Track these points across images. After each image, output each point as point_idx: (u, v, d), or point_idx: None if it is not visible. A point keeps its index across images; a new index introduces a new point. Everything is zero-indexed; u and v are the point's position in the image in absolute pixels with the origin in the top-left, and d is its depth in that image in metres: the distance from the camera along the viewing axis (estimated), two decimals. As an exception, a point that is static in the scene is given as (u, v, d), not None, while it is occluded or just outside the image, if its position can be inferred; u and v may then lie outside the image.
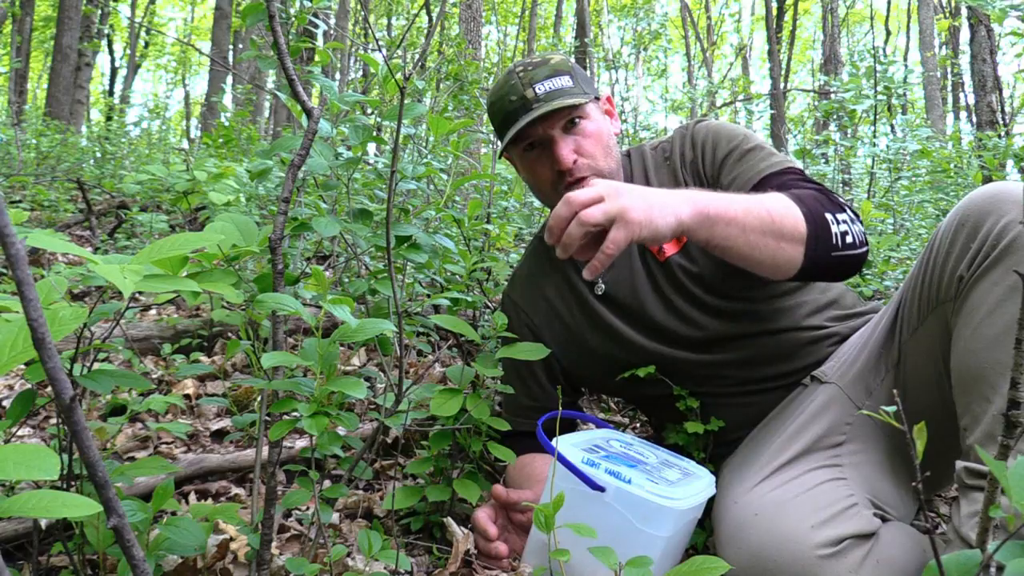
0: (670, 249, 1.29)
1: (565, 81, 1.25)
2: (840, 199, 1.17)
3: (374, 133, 1.29)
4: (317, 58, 1.30)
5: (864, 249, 1.15)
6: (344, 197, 1.39)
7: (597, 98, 1.32)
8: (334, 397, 0.95)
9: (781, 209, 1.06)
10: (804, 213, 1.07)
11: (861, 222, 1.18)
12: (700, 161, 1.30)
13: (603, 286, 1.33)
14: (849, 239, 1.12)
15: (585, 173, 1.25)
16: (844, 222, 1.12)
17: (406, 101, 1.12)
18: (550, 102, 1.21)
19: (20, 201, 4.30)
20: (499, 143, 1.33)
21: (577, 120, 1.25)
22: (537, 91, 1.23)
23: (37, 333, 0.49)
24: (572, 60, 1.31)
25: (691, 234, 1.02)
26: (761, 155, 1.25)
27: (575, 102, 1.22)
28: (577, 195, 0.97)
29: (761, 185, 1.20)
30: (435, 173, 1.49)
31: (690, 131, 1.34)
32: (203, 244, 0.83)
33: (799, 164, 1.26)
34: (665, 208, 0.98)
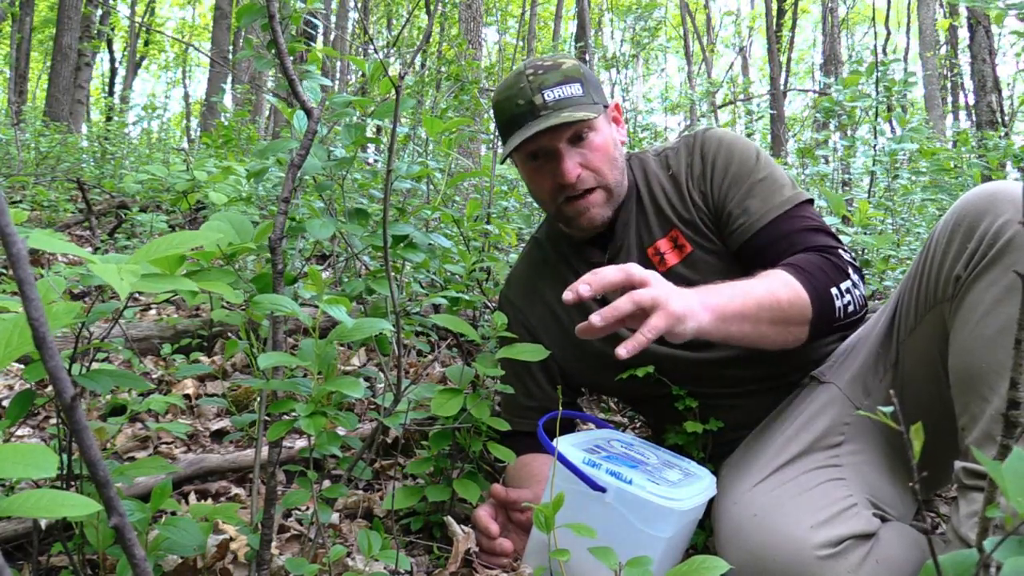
0: (672, 259, 1.28)
1: (575, 89, 1.21)
2: (846, 258, 1.19)
3: (374, 133, 1.29)
4: (310, 59, 1.30)
5: (864, 312, 1.21)
6: (340, 197, 1.39)
7: (606, 106, 1.29)
8: (333, 397, 0.95)
9: (790, 297, 1.09)
10: (811, 295, 1.10)
11: (863, 277, 1.23)
12: (709, 176, 1.28)
13: None
14: (851, 308, 1.16)
15: (589, 186, 1.24)
16: (847, 291, 1.15)
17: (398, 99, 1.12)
18: (559, 112, 1.19)
19: (20, 201, 4.29)
20: (501, 143, 1.32)
21: (584, 133, 1.23)
22: (546, 98, 1.20)
23: (38, 332, 0.49)
24: (584, 67, 1.27)
25: (708, 336, 1.03)
26: (773, 187, 1.24)
27: (583, 116, 1.18)
28: (633, 268, 0.98)
29: (771, 228, 1.21)
30: (431, 173, 1.49)
31: (699, 142, 1.31)
32: (199, 242, 0.82)
33: (806, 194, 1.27)
34: (691, 310, 0.98)
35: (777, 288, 1.08)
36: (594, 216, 1.26)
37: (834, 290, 1.13)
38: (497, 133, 1.36)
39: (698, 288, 1.04)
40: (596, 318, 0.95)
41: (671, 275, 1.28)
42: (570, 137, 1.22)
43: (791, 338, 1.13)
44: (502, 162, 1.35)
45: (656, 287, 0.97)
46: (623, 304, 0.95)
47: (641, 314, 0.95)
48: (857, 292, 1.17)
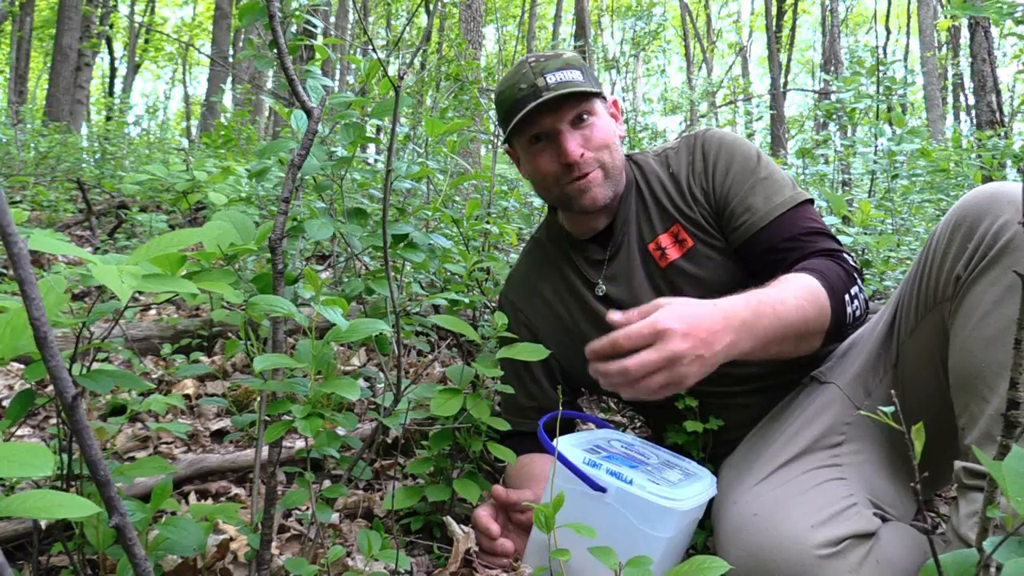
0: (673, 254, 1.29)
1: (576, 75, 1.25)
2: (853, 263, 1.21)
3: (374, 133, 1.29)
4: (316, 55, 1.30)
5: (865, 315, 1.22)
6: (340, 198, 1.39)
7: (604, 98, 1.32)
8: (331, 398, 0.95)
9: (816, 310, 1.10)
10: (833, 306, 1.11)
11: (864, 280, 1.26)
12: (711, 174, 1.30)
13: (603, 287, 1.33)
14: (857, 313, 1.18)
15: (592, 167, 1.26)
16: (856, 296, 1.17)
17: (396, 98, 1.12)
18: (560, 91, 1.22)
19: (20, 201, 4.29)
20: (503, 135, 1.33)
21: (585, 116, 1.26)
22: (548, 80, 1.23)
23: (39, 331, 0.50)
24: (582, 60, 1.31)
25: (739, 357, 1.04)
26: (774, 186, 1.26)
27: (585, 90, 1.22)
28: (662, 320, 0.98)
29: (775, 226, 1.23)
30: (431, 173, 1.49)
31: (699, 141, 1.33)
32: (198, 240, 0.82)
33: (807, 194, 1.28)
34: (716, 338, 0.98)
35: (807, 303, 1.09)
36: (596, 195, 1.27)
37: (847, 296, 1.15)
38: (498, 132, 1.37)
39: (728, 310, 1.02)
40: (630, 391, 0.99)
41: (671, 270, 1.28)
42: (572, 119, 1.25)
43: (804, 349, 1.15)
44: (505, 142, 1.35)
45: (672, 343, 0.96)
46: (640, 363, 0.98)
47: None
48: (861, 297, 1.19)
